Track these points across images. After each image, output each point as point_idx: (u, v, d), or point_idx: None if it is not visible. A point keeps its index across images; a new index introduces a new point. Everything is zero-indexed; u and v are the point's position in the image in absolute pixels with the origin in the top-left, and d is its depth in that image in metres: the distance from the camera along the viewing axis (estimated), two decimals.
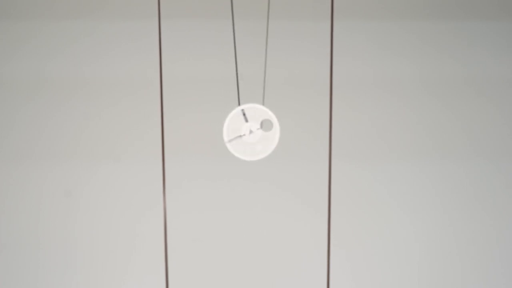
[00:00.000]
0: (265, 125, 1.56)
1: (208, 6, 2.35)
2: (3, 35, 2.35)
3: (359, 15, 2.39)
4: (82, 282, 2.38)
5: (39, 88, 2.36)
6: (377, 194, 2.40)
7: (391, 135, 2.40)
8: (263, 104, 1.61)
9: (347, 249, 2.41)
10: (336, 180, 2.36)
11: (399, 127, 2.40)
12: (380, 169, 2.40)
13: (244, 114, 1.55)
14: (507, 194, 2.42)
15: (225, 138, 1.54)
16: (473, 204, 2.42)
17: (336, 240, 2.38)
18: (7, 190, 2.37)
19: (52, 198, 2.36)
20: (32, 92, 2.36)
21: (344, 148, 2.38)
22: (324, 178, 2.34)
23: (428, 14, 2.41)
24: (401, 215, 2.41)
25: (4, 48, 2.36)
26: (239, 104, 1.61)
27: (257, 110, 1.57)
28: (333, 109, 2.33)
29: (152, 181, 2.31)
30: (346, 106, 2.38)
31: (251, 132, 1.55)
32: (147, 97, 2.35)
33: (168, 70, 2.34)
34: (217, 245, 2.39)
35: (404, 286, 2.42)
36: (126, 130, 2.37)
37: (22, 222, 2.37)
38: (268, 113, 1.55)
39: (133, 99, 2.36)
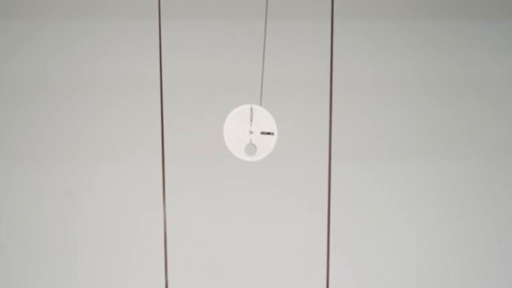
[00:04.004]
0: (249, 149, 1.56)
1: (208, 6, 2.35)
2: (3, 35, 2.35)
3: (359, 15, 2.39)
4: (82, 282, 2.38)
5: (39, 88, 2.36)
6: (377, 194, 2.40)
7: (391, 135, 2.40)
8: (260, 104, 1.61)
9: (347, 249, 2.40)
10: (336, 180, 2.36)
11: (399, 127, 2.40)
12: (380, 169, 2.40)
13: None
14: (507, 194, 2.42)
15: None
16: (473, 204, 2.42)
17: (336, 240, 2.38)
18: (7, 190, 2.36)
19: (52, 198, 2.36)
20: (32, 92, 2.36)
21: (344, 148, 2.38)
22: (324, 178, 2.34)
23: (428, 14, 2.40)
24: (401, 215, 2.41)
25: (4, 48, 2.36)
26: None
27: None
28: (333, 109, 2.33)
29: (152, 181, 2.31)
30: (346, 106, 2.38)
31: (251, 133, 1.55)
32: (147, 97, 2.35)
33: (168, 70, 2.34)
34: (217, 245, 2.39)
35: (403, 286, 2.42)
36: (126, 130, 2.37)
37: (22, 222, 2.37)
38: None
39: (133, 99, 2.36)
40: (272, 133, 1.53)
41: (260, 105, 1.61)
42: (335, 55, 2.34)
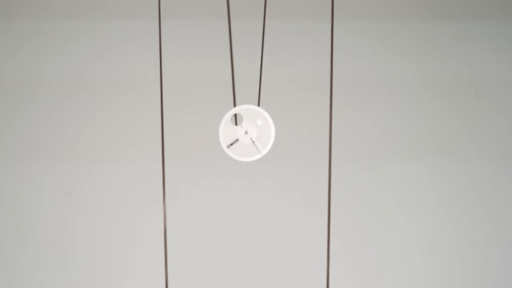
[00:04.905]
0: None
1: (209, 6, 2.36)
2: (3, 35, 2.35)
3: (360, 15, 2.39)
4: (81, 281, 2.38)
5: (39, 88, 2.36)
6: (377, 194, 2.40)
7: (392, 135, 2.40)
8: (258, 105, 1.61)
9: (347, 249, 2.40)
10: (336, 180, 2.36)
11: (399, 127, 2.40)
12: (380, 169, 2.40)
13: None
14: (508, 194, 2.41)
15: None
16: (475, 205, 2.42)
17: (336, 240, 2.37)
18: (6, 189, 2.36)
19: (52, 197, 2.36)
20: (32, 92, 2.36)
21: (344, 148, 2.38)
22: (324, 179, 2.34)
23: (429, 14, 2.41)
24: (401, 215, 2.41)
25: (4, 48, 2.36)
26: (234, 105, 1.61)
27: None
28: (333, 109, 2.33)
29: (152, 180, 2.31)
30: (346, 106, 2.38)
31: (246, 133, 1.55)
32: (147, 97, 2.35)
33: (168, 70, 2.34)
34: (217, 244, 2.39)
35: (403, 285, 2.42)
36: (126, 129, 2.37)
37: (21, 221, 2.37)
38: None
39: (133, 98, 2.36)
40: (235, 141, 1.53)
41: (258, 105, 1.60)
42: (335, 55, 2.33)
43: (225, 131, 1.56)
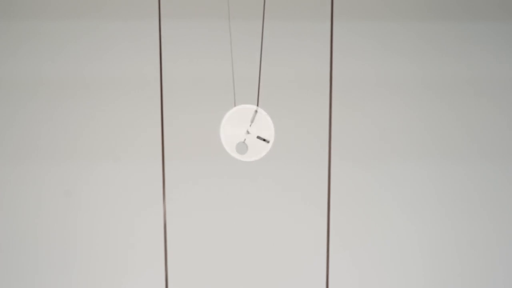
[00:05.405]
0: (242, 148, 1.55)
1: (209, 6, 2.35)
2: (3, 35, 2.35)
3: (359, 15, 2.39)
4: (81, 281, 2.38)
5: (39, 88, 2.36)
6: (377, 195, 2.40)
7: (391, 134, 2.40)
8: (257, 105, 1.61)
9: (347, 248, 2.40)
10: (336, 180, 2.35)
11: (399, 127, 2.40)
12: (380, 169, 2.40)
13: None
14: (508, 194, 2.41)
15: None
16: (475, 205, 2.41)
17: (336, 240, 2.37)
18: (7, 189, 2.36)
19: (52, 197, 2.36)
20: (32, 92, 2.36)
21: (344, 148, 2.38)
22: (324, 179, 2.34)
23: (429, 14, 2.41)
24: (401, 215, 2.41)
25: (4, 48, 2.36)
26: (234, 105, 1.61)
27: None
28: (333, 109, 2.33)
29: (152, 181, 2.31)
30: (346, 106, 2.38)
31: (248, 133, 1.55)
32: (147, 96, 2.35)
33: (168, 70, 2.33)
34: (217, 244, 2.39)
35: (403, 286, 2.42)
36: (126, 129, 2.37)
37: (21, 221, 2.37)
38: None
39: (133, 98, 2.36)
40: (268, 141, 1.53)
41: (257, 105, 1.60)
42: (335, 55, 2.34)
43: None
